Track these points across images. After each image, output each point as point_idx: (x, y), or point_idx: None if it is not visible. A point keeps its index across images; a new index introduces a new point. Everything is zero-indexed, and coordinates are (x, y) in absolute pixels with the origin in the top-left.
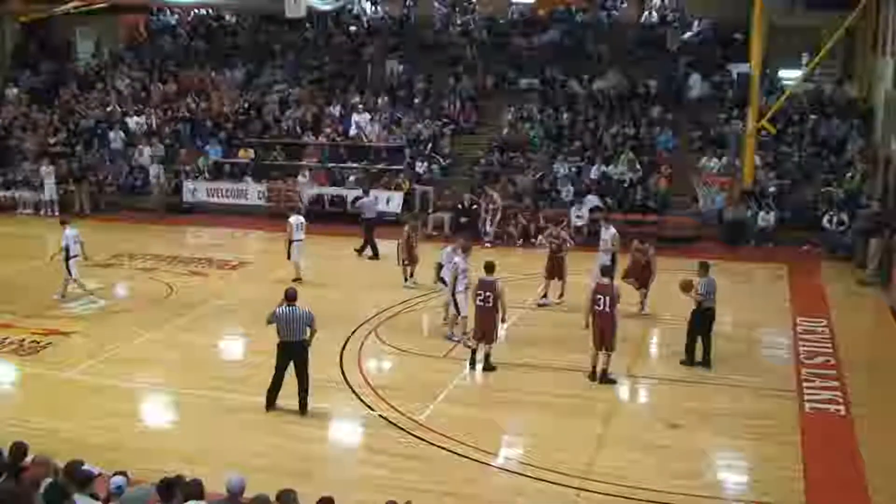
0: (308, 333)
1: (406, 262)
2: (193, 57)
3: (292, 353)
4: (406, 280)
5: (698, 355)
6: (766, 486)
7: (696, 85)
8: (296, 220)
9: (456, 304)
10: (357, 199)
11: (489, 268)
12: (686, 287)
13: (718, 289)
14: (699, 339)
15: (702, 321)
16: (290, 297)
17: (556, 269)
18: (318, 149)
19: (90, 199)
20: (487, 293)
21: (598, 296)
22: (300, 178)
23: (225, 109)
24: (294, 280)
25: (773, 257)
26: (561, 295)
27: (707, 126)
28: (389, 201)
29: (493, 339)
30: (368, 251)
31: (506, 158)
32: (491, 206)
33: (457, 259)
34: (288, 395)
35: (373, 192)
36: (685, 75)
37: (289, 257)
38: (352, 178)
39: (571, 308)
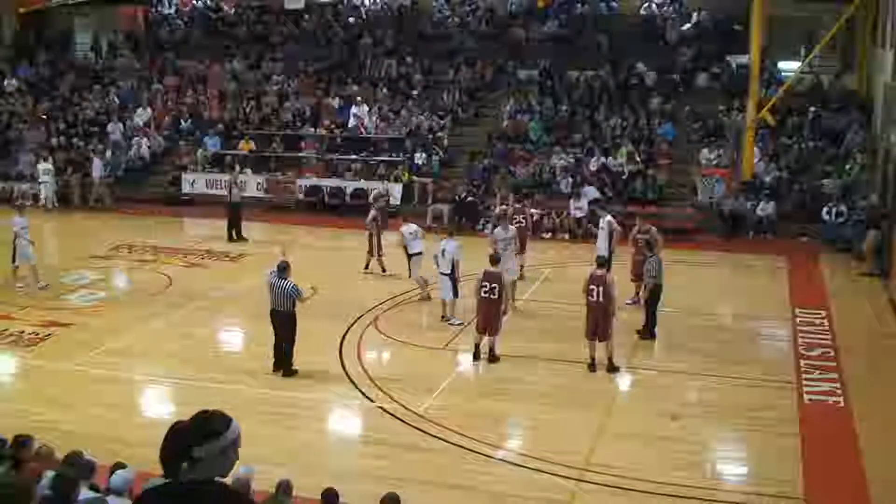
0: (292, 305)
1: (370, 252)
2: (192, 49)
3: (274, 320)
4: (367, 267)
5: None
6: (765, 477)
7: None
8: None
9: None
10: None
11: (494, 259)
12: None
13: (717, 279)
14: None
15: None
16: (280, 269)
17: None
18: (317, 140)
19: (90, 191)
20: (493, 285)
21: (592, 286)
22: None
23: (223, 102)
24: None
25: (772, 249)
26: (521, 266)
27: (706, 117)
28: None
29: (497, 330)
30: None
31: (505, 150)
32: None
33: (452, 244)
34: (285, 385)
35: (241, 178)
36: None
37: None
38: (351, 169)
39: (572, 300)
